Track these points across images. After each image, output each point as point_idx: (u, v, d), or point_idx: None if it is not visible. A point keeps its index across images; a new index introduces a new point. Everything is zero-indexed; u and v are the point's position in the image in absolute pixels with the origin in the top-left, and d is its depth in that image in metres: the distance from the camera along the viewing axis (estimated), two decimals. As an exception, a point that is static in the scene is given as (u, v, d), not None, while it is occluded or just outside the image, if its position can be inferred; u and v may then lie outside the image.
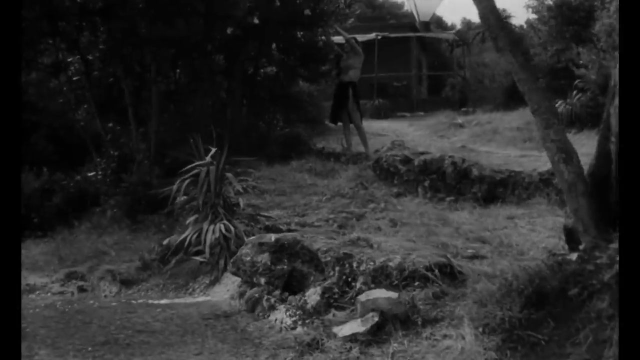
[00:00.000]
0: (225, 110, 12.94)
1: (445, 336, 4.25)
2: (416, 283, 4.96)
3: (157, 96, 11.24)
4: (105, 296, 7.46)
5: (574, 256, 4.07)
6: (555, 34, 21.77)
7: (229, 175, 8.13)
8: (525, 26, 42.27)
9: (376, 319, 4.51)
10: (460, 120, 19.41)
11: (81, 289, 7.68)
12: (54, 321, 5.98)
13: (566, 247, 4.89)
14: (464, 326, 4.17)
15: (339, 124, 13.17)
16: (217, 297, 6.82)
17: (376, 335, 4.46)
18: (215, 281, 7.20)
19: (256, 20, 11.02)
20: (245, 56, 12.72)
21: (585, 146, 13.07)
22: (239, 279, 6.63)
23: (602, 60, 15.54)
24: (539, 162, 9.74)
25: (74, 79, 12.27)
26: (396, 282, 5.06)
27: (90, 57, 12.01)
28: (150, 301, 6.87)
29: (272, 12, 11.51)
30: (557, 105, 16.04)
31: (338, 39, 13.60)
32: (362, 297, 4.75)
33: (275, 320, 5.61)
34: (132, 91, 11.50)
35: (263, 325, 5.59)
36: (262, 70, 13.90)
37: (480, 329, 4.08)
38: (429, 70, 35.06)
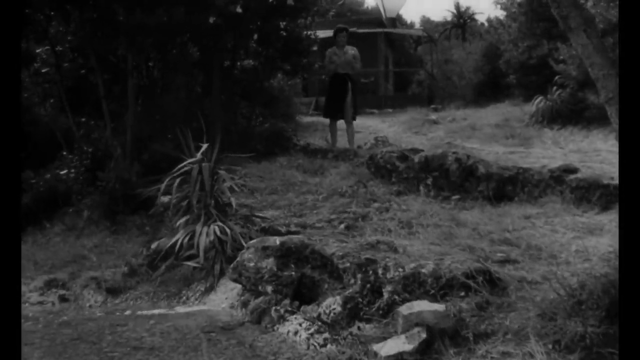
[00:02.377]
0: (201, 104, 12.36)
1: (505, 354, 3.75)
2: (461, 293, 4.44)
3: (133, 89, 10.62)
4: (90, 306, 6.86)
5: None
6: (525, 31, 21.74)
7: (221, 172, 7.58)
8: (486, 24, 42.71)
9: (424, 335, 3.98)
10: (433, 116, 19.14)
11: (63, 299, 7.09)
12: (38, 337, 5.37)
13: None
14: (529, 343, 3.67)
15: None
16: (214, 307, 6.26)
17: (425, 354, 3.93)
18: (210, 288, 6.64)
19: (239, 10, 10.47)
20: (223, 47, 12.16)
21: (573, 142, 12.97)
22: (237, 286, 6.13)
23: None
24: (530, 158, 9.42)
25: (43, 70, 11.62)
26: (432, 291, 4.54)
27: (60, 48, 11.36)
28: (140, 312, 6.26)
29: (255, 1, 11.00)
30: (537, 101, 15.89)
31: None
32: (403, 310, 4.21)
33: (288, 333, 5.07)
34: (106, 84, 10.85)
35: (273, 339, 5.05)
36: (239, 63, 13.36)
37: (550, 346, 3.60)
38: (395, 67, 34.79)
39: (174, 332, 5.30)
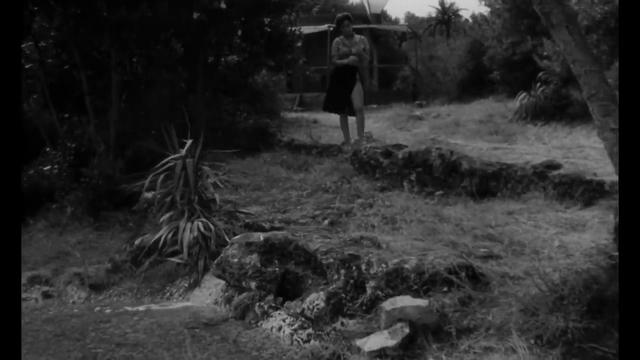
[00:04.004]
0: (185, 101, 12.32)
1: (487, 349, 3.77)
2: (444, 288, 4.46)
3: (117, 85, 10.58)
4: (74, 302, 6.83)
5: (638, 257, 3.63)
6: (509, 27, 21.77)
7: (205, 168, 7.56)
8: (471, 20, 42.77)
9: (407, 330, 4.00)
10: (418, 112, 19.16)
11: (46, 295, 7.05)
12: (21, 334, 5.32)
13: (608, 246, 4.51)
14: (511, 338, 3.69)
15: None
16: (198, 303, 6.24)
17: (408, 349, 3.95)
18: (194, 284, 6.61)
19: (223, 5, 10.45)
20: (207, 43, 12.13)
21: (556, 138, 13.01)
22: (221, 282, 6.11)
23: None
24: (514, 154, 9.43)
25: (26, 66, 11.54)
26: (415, 286, 4.57)
27: (43, 44, 11.30)
28: (124, 308, 6.22)
29: (239, -4, 11.05)
30: (520, 97, 15.93)
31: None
32: (386, 306, 4.22)
33: (272, 329, 5.07)
34: (89, 79, 10.80)
35: (257, 335, 5.05)
36: (223, 59, 13.34)
37: (532, 341, 3.62)
38: (380, 63, 34.73)
39: (158, 329, 5.29)
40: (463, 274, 4.54)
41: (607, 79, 3.76)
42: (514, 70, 20.94)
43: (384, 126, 17.35)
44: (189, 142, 7.46)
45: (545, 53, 15.96)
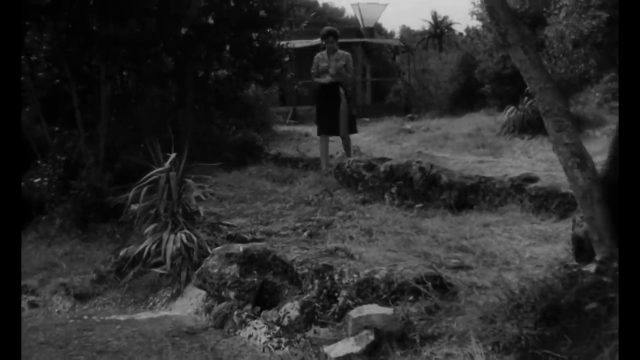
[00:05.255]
0: (175, 114, 12.48)
1: (448, 355, 3.91)
2: (410, 297, 4.61)
3: (107, 98, 10.74)
4: (59, 312, 6.95)
5: (592, 267, 3.78)
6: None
7: (188, 181, 7.70)
8: (464, 34, 43.05)
9: (372, 337, 4.14)
10: (408, 126, 19.29)
11: (32, 305, 7.18)
12: (6, 342, 5.45)
13: (568, 257, 4.66)
14: (470, 344, 3.83)
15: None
16: (180, 312, 6.35)
17: (372, 355, 4.09)
18: (177, 294, 6.74)
19: (211, 21, 10.62)
20: (197, 58, 12.28)
21: (542, 151, 13.15)
22: (202, 293, 6.23)
23: (554, 66, 15.56)
24: (497, 167, 9.58)
25: (17, 80, 11.70)
26: (384, 296, 4.71)
27: (35, 58, 11.45)
28: (107, 317, 6.35)
29: (227, 12, 11.14)
30: (508, 111, 16.06)
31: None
32: (353, 314, 4.37)
33: (249, 337, 5.21)
34: (80, 93, 10.95)
35: (235, 343, 5.18)
36: (213, 74, 13.49)
37: (490, 348, 3.76)
38: (373, 77, 34.92)
39: (139, 337, 5.40)
40: (430, 284, 4.67)
41: (562, 95, 3.91)
42: (504, 84, 21.11)
43: (374, 139, 17.45)
44: (172, 155, 7.60)
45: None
